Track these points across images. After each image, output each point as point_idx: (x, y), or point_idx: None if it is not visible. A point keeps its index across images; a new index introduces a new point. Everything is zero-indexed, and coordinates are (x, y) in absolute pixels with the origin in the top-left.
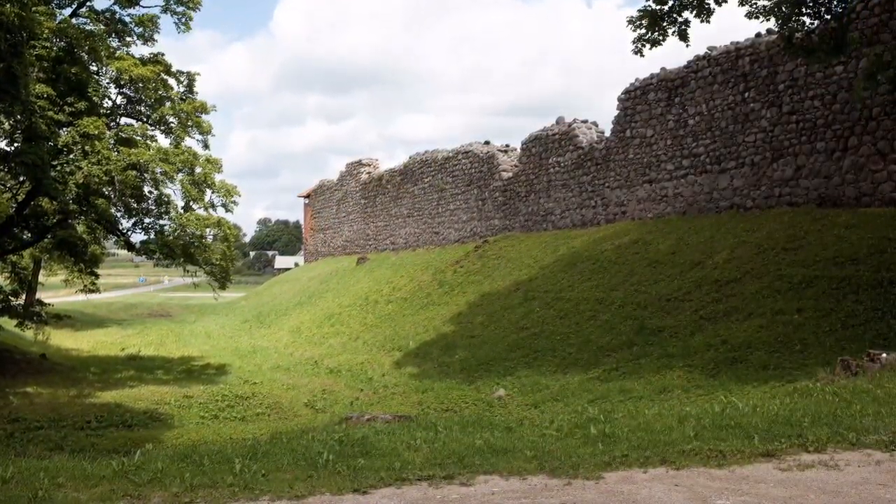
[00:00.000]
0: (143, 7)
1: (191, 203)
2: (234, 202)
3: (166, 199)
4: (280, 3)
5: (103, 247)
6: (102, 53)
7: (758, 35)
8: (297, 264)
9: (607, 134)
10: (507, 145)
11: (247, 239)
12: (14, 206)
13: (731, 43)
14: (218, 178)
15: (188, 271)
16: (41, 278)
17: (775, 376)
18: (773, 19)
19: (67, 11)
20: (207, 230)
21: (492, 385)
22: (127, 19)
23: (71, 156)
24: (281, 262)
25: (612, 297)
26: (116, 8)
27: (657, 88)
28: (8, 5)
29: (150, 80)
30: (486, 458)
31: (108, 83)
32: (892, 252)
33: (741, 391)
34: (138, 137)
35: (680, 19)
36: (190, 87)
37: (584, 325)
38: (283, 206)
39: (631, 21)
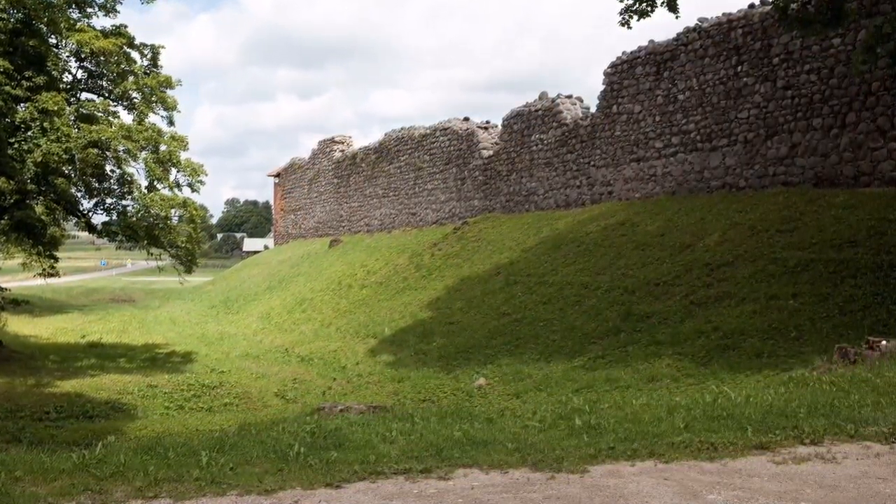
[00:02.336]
0: None
1: (155, 182)
2: (201, 182)
3: (129, 178)
4: None
5: (63, 228)
6: (62, 25)
7: (751, 6)
8: (266, 247)
9: (593, 110)
10: (488, 122)
11: (214, 220)
12: None
13: (723, 14)
14: (183, 156)
15: (152, 254)
16: None
17: (769, 365)
18: None
19: None
20: (172, 211)
21: (471, 374)
22: None
23: (29, 133)
24: (249, 244)
25: (598, 282)
26: None
27: (645, 62)
28: None
29: (112, 54)
30: (465, 450)
31: (67, 56)
32: (892, 234)
33: (734, 380)
34: (100, 114)
35: None
36: (154, 61)
37: (568, 310)
38: (251, 185)
39: None
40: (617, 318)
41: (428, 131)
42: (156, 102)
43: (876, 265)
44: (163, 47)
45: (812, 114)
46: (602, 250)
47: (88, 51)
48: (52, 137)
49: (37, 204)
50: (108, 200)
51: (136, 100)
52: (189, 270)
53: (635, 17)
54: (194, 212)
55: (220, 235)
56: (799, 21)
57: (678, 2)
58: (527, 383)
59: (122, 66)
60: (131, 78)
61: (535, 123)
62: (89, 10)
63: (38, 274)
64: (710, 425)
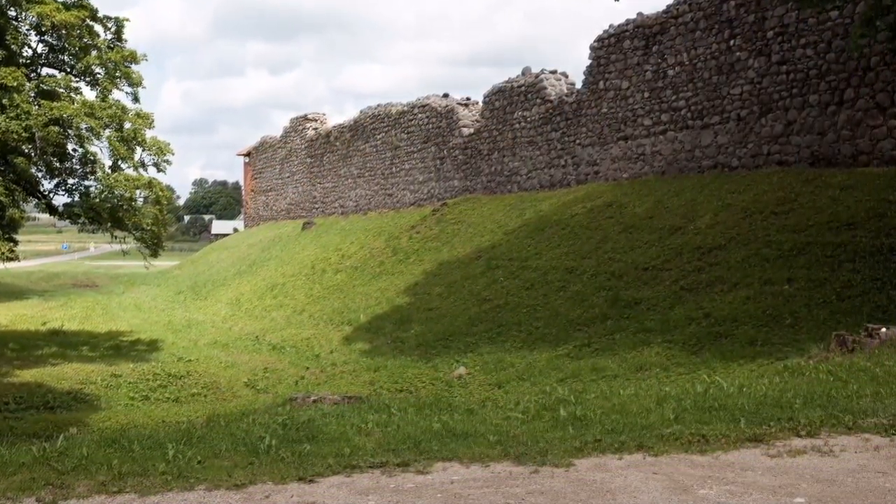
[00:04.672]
0: None
1: (119, 162)
2: (167, 161)
3: (92, 157)
4: None
5: (23, 210)
6: None
7: None
8: (236, 230)
9: (578, 86)
10: (468, 98)
11: (181, 202)
12: None
13: None
14: (149, 134)
15: (116, 237)
16: None
17: (763, 353)
18: None
19: None
20: (137, 192)
21: (451, 363)
22: None
23: None
24: (218, 227)
25: (584, 266)
26: None
27: (633, 36)
28: None
29: (75, 27)
30: (444, 443)
31: (27, 30)
32: (892, 216)
33: (726, 369)
34: (61, 90)
35: None
36: (118, 35)
37: (552, 296)
38: (220, 165)
39: None
40: (603, 305)
41: (405, 108)
42: (120, 78)
43: (875, 248)
44: (127, 20)
45: (808, 90)
46: (588, 233)
47: (49, 24)
48: (12, 114)
49: None
50: (70, 181)
51: (99, 75)
52: (155, 254)
53: None
54: (160, 193)
55: (187, 217)
56: None
57: None
58: (509, 372)
59: (85, 40)
60: (94, 52)
61: (517, 100)
62: None
63: None
64: (702, 417)
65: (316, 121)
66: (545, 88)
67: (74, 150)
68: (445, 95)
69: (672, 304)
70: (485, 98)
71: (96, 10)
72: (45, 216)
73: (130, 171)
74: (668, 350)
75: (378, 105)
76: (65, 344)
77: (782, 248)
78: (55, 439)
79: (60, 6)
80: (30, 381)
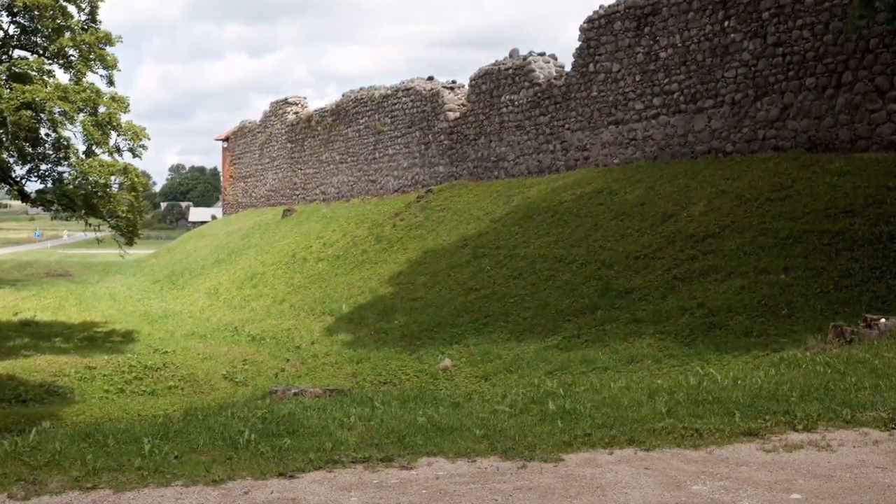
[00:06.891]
0: None
1: (93, 147)
2: (143, 146)
3: (65, 142)
4: None
5: None
6: None
7: None
8: (214, 217)
9: (568, 69)
10: (454, 82)
11: (157, 188)
12: None
13: None
14: (124, 118)
15: (90, 225)
16: None
17: (759, 344)
18: None
19: None
20: (112, 178)
21: (436, 354)
22: None
23: None
24: (196, 214)
25: (573, 255)
26: None
27: (625, 17)
28: None
29: (48, 7)
30: (429, 437)
31: None
32: (891, 203)
33: (720, 361)
34: (34, 73)
35: None
36: (92, 16)
37: (541, 286)
38: (198, 150)
39: None
40: (594, 294)
41: (389, 92)
42: (94, 60)
43: (874, 236)
44: (102, 0)
45: (805, 73)
46: (577, 220)
47: (21, 4)
48: None
49: None
50: (43, 166)
51: (72, 58)
52: (130, 242)
53: None
54: (136, 179)
55: (163, 204)
56: None
57: None
58: (496, 364)
59: (58, 21)
60: (68, 34)
61: (505, 83)
62: None
63: None
64: (695, 410)
65: (297, 105)
66: (533, 71)
67: (47, 134)
68: (430, 78)
69: (664, 294)
70: (471, 81)
71: None
72: (17, 203)
73: (105, 157)
74: (661, 341)
75: (361, 89)
76: (37, 335)
77: (778, 236)
78: (27, 433)
79: None
80: (1, 373)
